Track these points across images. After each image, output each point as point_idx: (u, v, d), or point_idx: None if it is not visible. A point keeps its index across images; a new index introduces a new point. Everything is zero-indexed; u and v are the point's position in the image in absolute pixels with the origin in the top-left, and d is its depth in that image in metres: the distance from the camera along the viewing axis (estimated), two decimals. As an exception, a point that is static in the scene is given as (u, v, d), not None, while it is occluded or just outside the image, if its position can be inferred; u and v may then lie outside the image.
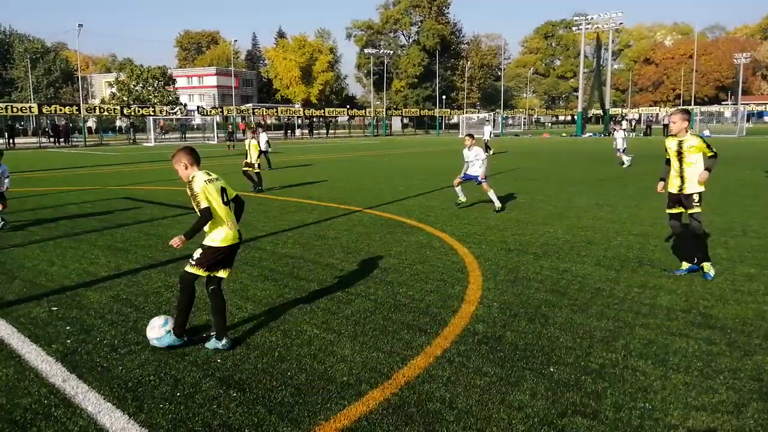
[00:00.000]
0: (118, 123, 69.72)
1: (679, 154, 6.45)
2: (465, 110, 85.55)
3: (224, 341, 4.60)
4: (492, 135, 27.91)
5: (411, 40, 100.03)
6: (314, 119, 70.81)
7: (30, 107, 49.57)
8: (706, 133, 52.40)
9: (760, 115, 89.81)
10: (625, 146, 21.38)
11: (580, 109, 64.26)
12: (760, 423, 3.45)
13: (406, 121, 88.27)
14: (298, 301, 5.82)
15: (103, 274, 6.95)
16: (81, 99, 56.51)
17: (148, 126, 54.36)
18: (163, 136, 58.85)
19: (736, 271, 6.75)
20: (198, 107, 64.93)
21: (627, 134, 20.76)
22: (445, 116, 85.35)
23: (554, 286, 6.24)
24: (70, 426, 3.48)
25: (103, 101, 76.17)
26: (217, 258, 4.68)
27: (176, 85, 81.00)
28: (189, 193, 4.57)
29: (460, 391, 3.86)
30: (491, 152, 29.00)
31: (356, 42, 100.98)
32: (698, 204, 6.44)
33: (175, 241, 4.53)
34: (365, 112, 76.79)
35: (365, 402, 3.73)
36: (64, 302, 5.84)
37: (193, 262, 4.64)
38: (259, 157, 15.62)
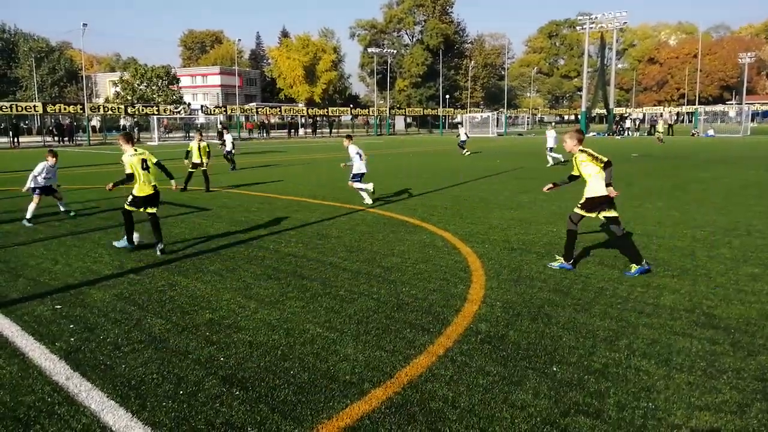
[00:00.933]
0: (122, 122, 69.83)
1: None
2: (468, 109, 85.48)
3: (161, 245, 7.91)
4: (467, 136, 29.23)
5: (414, 40, 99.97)
6: (317, 118, 70.86)
7: (34, 106, 49.75)
8: (710, 132, 52.30)
9: (765, 114, 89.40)
10: (554, 145, 22.25)
11: (583, 109, 64.11)
12: (763, 423, 3.44)
13: (409, 120, 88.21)
14: (300, 299, 5.82)
15: (106, 272, 6.97)
16: (85, 98, 56.64)
17: (152, 125, 54.45)
18: (167, 135, 58.96)
19: (740, 271, 6.72)
20: (202, 106, 65.07)
21: (556, 136, 22.11)
22: (448, 115, 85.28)
23: (557, 285, 6.23)
24: (73, 424, 3.49)
25: (107, 100, 76.32)
26: (138, 202, 7.93)
27: (180, 85, 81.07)
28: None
29: (463, 390, 3.85)
30: (466, 152, 29.11)
31: (360, 41, 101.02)
32: (608, 209, 6.94)
33: (109, 185, 7.99)
34: (368, 112, 76.79)
35: (368, 401, 3.73)
36: (67, 300, 5.86)
37: (128, 204, 7.96)
38: (209, 158, 16.34)
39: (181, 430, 3.41)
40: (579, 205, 7.04)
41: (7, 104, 48.37)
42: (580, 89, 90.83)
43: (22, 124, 58.47)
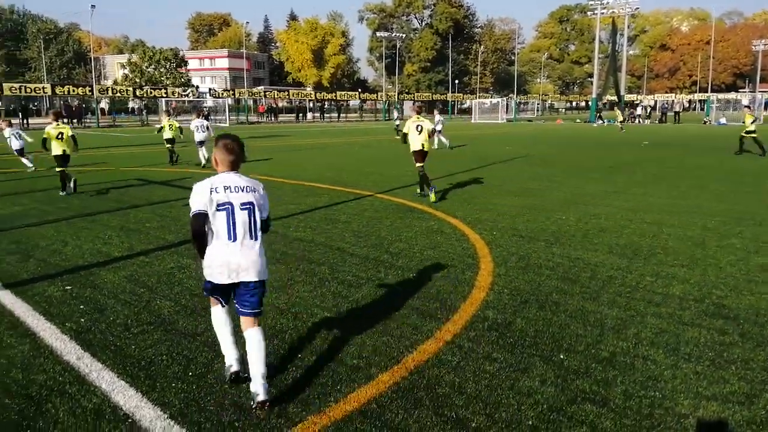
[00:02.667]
0: (130, 104, 69.93)
1: (418, 128, 11.10)
2: (477, 95, 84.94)
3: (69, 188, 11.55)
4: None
5: (424, 24, 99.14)
6: (326, 103, 70.63)
7: (43, 88, 49.86)
8: (722, 120, 51.71)
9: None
10: (440, 129, 23.69)
11: (594, 95, 63.59)
12: (771, 414, 3.43)
13: (418, 104, 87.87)
14: (308, 284, 5.85)
15: (116, 254, 7.01)
16: (94, 80, 56.65)
17: (160, 107, 54.43)
18: (175, 118, 58.99)
19: (751, 261, 6.68)
20: (210, 89, 64.91)
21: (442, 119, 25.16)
22: (457, 101, 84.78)
23: (566, 273, 6.22)
24: (84, 403, 3.53)
25: (115, 82, 76.30)
26: (58, 159, 11.66)
27: (188, 67, 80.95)
28: None
29: (470, 377, 3.87)
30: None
31: (368, 25, 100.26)
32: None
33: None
34: (377, 96, 76.44)
35: (375, 385, 3.75)
36: (78, 281, 5.91)
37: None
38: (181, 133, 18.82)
39: (191, 411, 3.44)
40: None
41: (17, 86, 48.50)
42: (590, 75, 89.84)
43: (31, 106, 58.60)
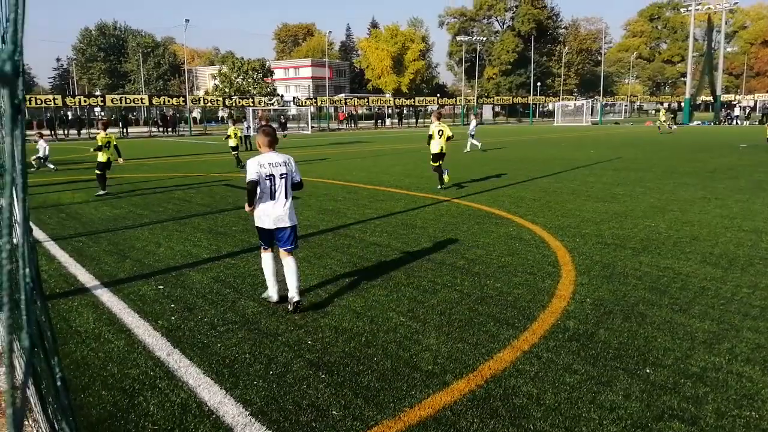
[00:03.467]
0: (220, 113, 73.24)
1: (440, 132, 12.59)
2: (561, 97, 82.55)
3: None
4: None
5: (505, 26, 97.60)
6: (404, 108, 70.99)
7: (141, 99, 53.20)
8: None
9: None
10: (473, 132, 25.89)
11: (687, 96, 60.22)
12: None
13: (497, 109, 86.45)
14: (384, 288, 5.89)
15: (204, 256, 7.37)
16: (187, 91, 59.88)
17: (247, 116, 56.70)
18: (239, 126, 61.13)
19: None
20: (294, 98, 66.90)
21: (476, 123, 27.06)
22: (539, 104, 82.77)
23: (654, 283, 5.92)
24: (172, 397, 3.73)
25: (206, 93, 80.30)
26: (101, 165, 13.04)
27: (274, 77, 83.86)
28: None
29: (548, 388, 3.76)
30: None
31: (449, 30, 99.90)
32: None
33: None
34: (455, 101, 75.98)
35: (449, 392, 3.73)
36: (169, 281, 6.26)
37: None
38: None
39: (270, 409, 3.56)
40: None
41: (118, 97, 52.08)
42: (683, 75, 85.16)
43: (130, 116, 62.69)
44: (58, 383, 1.57)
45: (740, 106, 64.44)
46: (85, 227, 9.37)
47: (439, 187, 12.91)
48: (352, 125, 65.33)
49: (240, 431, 3.34)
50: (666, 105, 71.40)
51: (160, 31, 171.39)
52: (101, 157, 13.03)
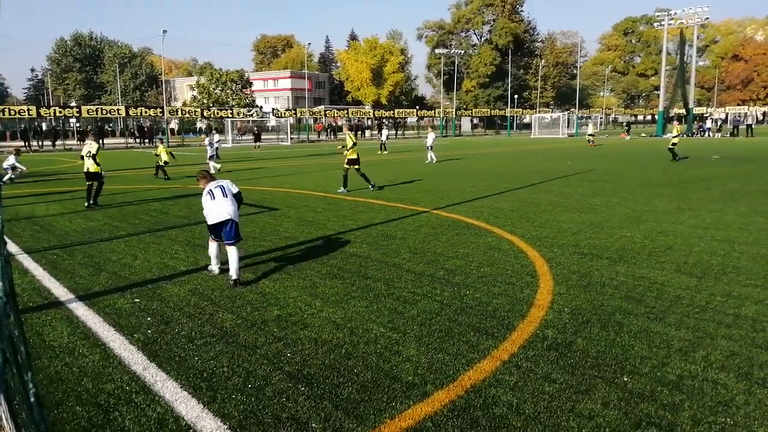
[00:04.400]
0: (198, 124, 72.77)
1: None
2: (538, 110, 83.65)
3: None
4: (387, 137, 32.63)
5: (483, 39, 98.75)
6: (383, 120, 71.30)
7: (118, 110, 52.67)
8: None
9: None
10: (431, 145, 26.42)
11: (661, 108, 61.42)
12: None
13: (475, 121, 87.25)
14: (364, 299, 5.88)
15: (182, 268, 7.28)
16: (164, 102, 59.39)
17: (226, 128, 56.42)
18: (240, 138, 60.94)
19: (834, 281, 6.25)
20: (273, 109, 66.81)
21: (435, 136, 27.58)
22: (516, 116, 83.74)
23: (630, 292, 6.00)
24: (149, 412, 3.67)
25: (184, 104, 79.74)
26: (86, 175, 12.89)
27: (253, 88, 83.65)
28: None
29: (528, 397, 3.78)
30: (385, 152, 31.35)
31: (427, 42, 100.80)
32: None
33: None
34: (434, 113, 76.54)
35: (430, 403, 3.73)
36: (146, 294, 6.17)
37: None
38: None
39: (249, 423, 3.52)
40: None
41: (94, 108, 51.47)
42: (657, 88, 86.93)
43: (106, 127, 61.98)
44: (32, 399, 1.54)
45: (712, 119, 65.89)
46: (59, 240, 9.21)
47: (341, 190, 15.03)
48: (333, 137, 65.39)
49: (218, 445, 3.30)
50: (593, 119, 71.87)
51: (137, 41, 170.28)
52: (85, 166, 12.98)
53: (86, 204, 12.80)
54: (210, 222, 6.58)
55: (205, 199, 6.66)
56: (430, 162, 25.54)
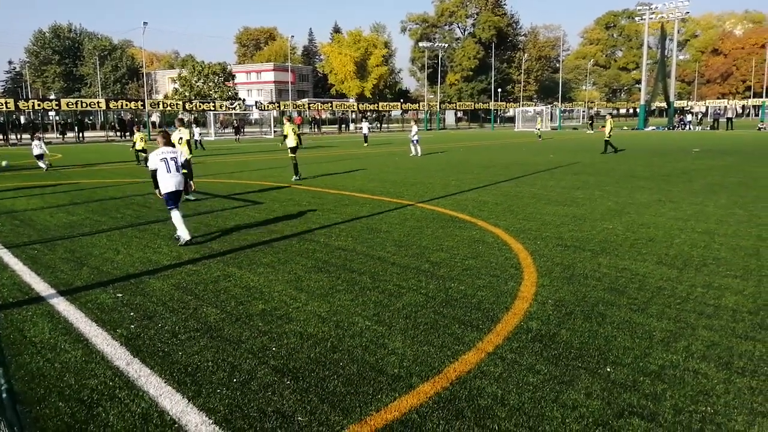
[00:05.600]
0: (180, 117, 72.00)
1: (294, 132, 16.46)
2: (521, 103, 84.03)
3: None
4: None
5: (466, 33, 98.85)
6: (368, 113, 71.19)
7: (98, 102, 51.94)
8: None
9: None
10: (417, 139, 26.12)
11: (642, 102, 62.06)
12: (833, 433, 3.26)
13: (459, 114, 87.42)
14: (350, 292, 5.88)
15: (165, 262, 7.22)
16: (146, 95, 58.73)
17: (208, 121, 55.93)
18: (222, 131, 60.45)
19: (810, 272, 6.37)
20: (256, 102, 66.34)
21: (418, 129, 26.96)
22: (500, 109, 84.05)
23: (612, 284, 6.07)
24: (132, 407, 3.64)
25: (166, 96, 78.84)
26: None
27: (235, 81, 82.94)
28: None
29: (512, 388, 3.81)
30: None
31: (411, 35, 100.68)
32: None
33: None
34: (419, 106, 76.55)
35: (416, 395, 3.74)
36: (128, 289, 6.11)
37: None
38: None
39: (234, 417, 3.51)
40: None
41: (73, 101, 50.70)
42: (638, 82, 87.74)
43: (86, 120, 61.10)
44: (4, 395, 1.51)
45: (693, 112, 66.70)
46: (40, 234, 9.08)
47: (294, 178, 15.98)
48: (316, 129, 65.14)
49: (203, 440, 3.28)
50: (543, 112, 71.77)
51: (118, 34, 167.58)
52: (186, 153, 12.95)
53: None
54: (171, 190, 8.03)
55: (161, 166, 7.99)
56: (414, 156, 25.43)
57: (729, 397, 3.66)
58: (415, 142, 25.94)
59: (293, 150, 16.58)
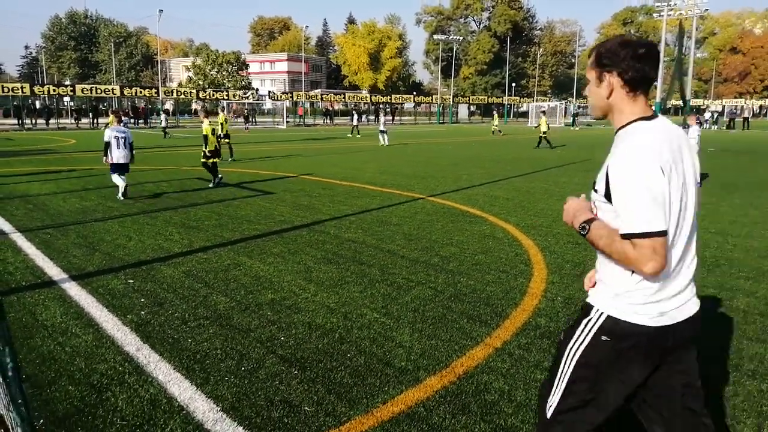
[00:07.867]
0: (193, 106, 72.26)
1: (214, 131, 14.04)
2: (535, 98, 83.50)
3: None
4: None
5: (482, 26, 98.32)
6: (380, 105, 71.03)
7: (113, 89, 52.26)
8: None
9: None
10: (384, 129, 29.11)
11: (658, 99, 61.34)
12: (843, 438, 3.23)
13: (473, 108, 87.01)
14: (359, 284, 5.89)
15: (176, 250, 7.27)
16: (160, 82, 58.97)
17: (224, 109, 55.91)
18: (235, 120, 60.59)
19: (825, 275, 6.30)
20: (269, 92, 66.38)
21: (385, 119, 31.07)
22: (513, 104, 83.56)
23: (622, 282, 6.02)
24: (141, 393, 3.67)
25: (180, 85, 79.10)
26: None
27: (249, 70, 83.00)
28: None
29: (519, 384, 3.81)
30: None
31: (425, 28, 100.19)
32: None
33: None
34: (432, 99, 76.27)
35: (422, 388, 3.75)
36: (139, 275, 6.16)
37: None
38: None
39: (242, 405, 3.53)
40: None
41: (88, 87, 51.02)
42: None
43: (101, 106, 61.44)
44: (10, 373, 1.52)
45: (710, 111, 65.95)
46: (53, 219, 9.17)
47: (215, 181, 13.20)
48: (329, 121, 65.10)
49: (211, 427, 3.31)
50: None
51: (133, 20, 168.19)
52: (209, 145, 13.24)
53: (211, 185, 13.06)
54: (118, 162, 11.03)
55: (113, 142, 10.99)
56: (383, 145, 27.80)
57: (738, 400, 3.63)
58: (383, 132, 28.82)
59: (216, 154, 13.50)
